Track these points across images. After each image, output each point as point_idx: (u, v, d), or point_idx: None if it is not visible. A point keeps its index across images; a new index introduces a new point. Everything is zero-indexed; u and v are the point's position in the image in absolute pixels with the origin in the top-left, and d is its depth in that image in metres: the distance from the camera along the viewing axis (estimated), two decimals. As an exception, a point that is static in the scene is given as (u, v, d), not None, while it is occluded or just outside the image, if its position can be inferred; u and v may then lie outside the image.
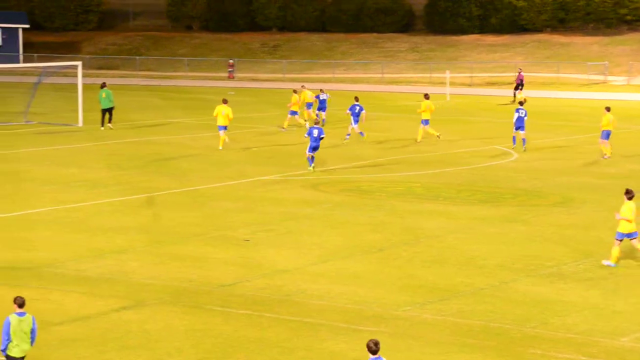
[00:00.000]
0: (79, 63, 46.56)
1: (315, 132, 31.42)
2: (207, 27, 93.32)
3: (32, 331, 13.05)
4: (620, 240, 20.05)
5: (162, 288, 18.54)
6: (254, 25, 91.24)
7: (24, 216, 24.81)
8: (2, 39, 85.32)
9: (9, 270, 19.65)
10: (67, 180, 29.86)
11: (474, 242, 22.48)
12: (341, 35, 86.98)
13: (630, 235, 20.04)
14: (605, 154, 35.25)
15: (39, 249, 21.37)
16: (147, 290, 18.37)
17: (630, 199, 20.09)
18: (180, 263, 20.41)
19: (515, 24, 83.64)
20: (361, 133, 38.87)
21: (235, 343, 15.65)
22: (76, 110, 44.30)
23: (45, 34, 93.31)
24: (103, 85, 43.90)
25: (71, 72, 51.96)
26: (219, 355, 15.19)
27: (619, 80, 70.04)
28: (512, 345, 15.73)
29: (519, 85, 58.09)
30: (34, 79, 53.71)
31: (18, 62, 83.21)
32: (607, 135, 35.10)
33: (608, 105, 36.95)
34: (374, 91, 66.87)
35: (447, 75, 62.80)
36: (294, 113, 42.58)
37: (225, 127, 36.28)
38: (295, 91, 43.75)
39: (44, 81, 52.95)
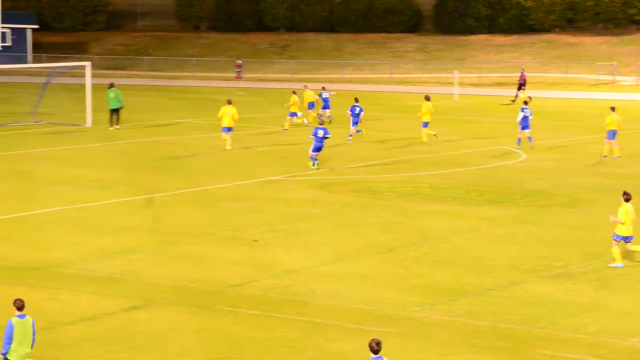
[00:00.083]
0: (87, 63, 46.66)
1: (321, 133, 31.51)
2: (215, 27, 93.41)
3: (32, 334, 13.05)
4: (618, 241, 20.09)
5: (171, 288, 18.57)
6: (262, 26, 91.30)
7: (33, 216, 24.88)
8: (12, 39, 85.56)
9: (18, 270, 19.71)
10: (76, 180, 29.93)
11: (483, 243, 22.46)
12: (349, 36, 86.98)
13: (626, 239, 20.07)
14: (604, 154, 35.26)
15: (49, 249, 21.42)
16: (156, 290, 18.40)
17: (627, 200, 20.11)
18: (189, 263, 20.44)
19: (523, 24, 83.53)
20: (358, 130, 38.91)
21: (244, 343, 15.67)
22: (85, 111, 44.40)
23: (53, 34, 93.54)
24: (111, 86, 44.00)
25: (79, 73, 52.09)
26: (228, 356, 15.20)
27: (628, 80, 69.88)
28: (521, 345, 15.72)
29: (522, 85, 58.14)
30: (42, 79, 53.86)
31: (27, 62, 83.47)
32: (613, 134, 35.07)
33: (613, 105, 36.93)
34: (382, 91, 66.86)
35: (455, 75, 62.75)
36: (293, 114, 42.56)
37: (230, 129, 36.29)
38: (294, 92, 43.75)
39: (53, 81, 53.09)
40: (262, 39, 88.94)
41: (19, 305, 12.88)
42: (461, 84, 63.65)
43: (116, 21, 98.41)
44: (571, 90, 65.07)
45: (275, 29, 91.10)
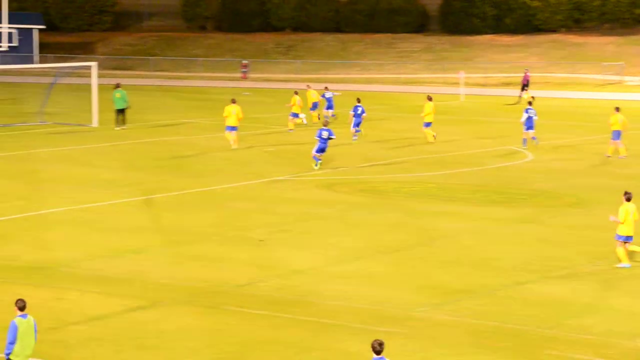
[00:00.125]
0: (93, 64, 46.72)
1: (325, 134, 31.61)
2: (221, 28, 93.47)
3: (34, 334, 13.05)
4: (622, 242, 20.11)
5: (178, 288, 18.58)
6: (268, 26, 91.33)
7: (40, 216, 24.91)
8: (18, 39, 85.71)
9: (26, 270, 19.74)
10: (82, 180, 29.97)
11: (489, 243, 22.44)
12: (355, 36, 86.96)
13: (626, 239, 20.07)
14: (608, 154, 35.23)
15: (56, 249, 21.45)
16: (163, 290, 18.41)
17: (628, 200, 20.15)
18: (196, 263, 20.45)
19: (530, 24, 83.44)
20: (357, 130, 38.95)
21: (251, 343, 15.67)
22: (91, 111, 44.44)
23: (60, 34, 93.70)
24: (117, 86, 44.06)
25: (86, 73, 52.17)
26: (235, 356, 15.21)
27: (635, 80, 69.75)
28: (528, 346, 15.70)
29: (525, 85, 58.19)
30: (49, 80, 53.94)
31: (33, 62, 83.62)
32: (617, 135, 35.04)
33: (617, 106, 36.90)
34: (388, 92, 66.82)
35: (461, 75, 62.71)
36: (295, 115, 42.58)
37: (235, 128, 36.34)
38: (296, 92, 43.78)
39: (59, 81, 53.19)
40: (268, 39, 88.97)
41: (21, 306, 12.88)
42: (467, 84, 63.62)
43: (122, 21, 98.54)
44: (578, 91, 64.99)
45: (281, 29, 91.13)
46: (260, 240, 22.29)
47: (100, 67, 52.17)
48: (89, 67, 47.05)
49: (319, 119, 43.72)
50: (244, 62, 78.50)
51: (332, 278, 19.38)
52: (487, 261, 20.77)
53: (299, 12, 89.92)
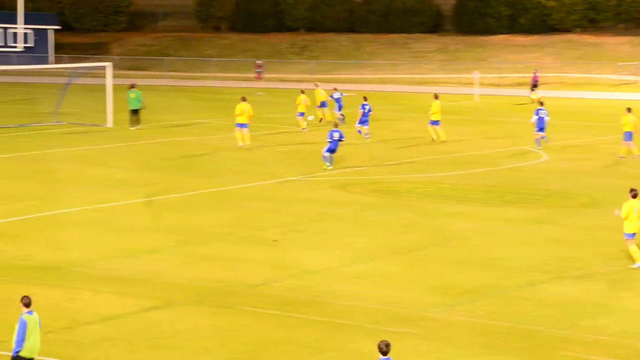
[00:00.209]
0: (108, 64, 46.85)
1: (336, 135, 31.75)
2: (235, 28, 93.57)
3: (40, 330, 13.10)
4: (632, 239, 20.14)
5: (191, 288, 18.60)
6: (282, 26, 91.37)
7: (54, 216, 25.00)
8: (34, 40, 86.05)
9: (39, 270, 19.81)
10: (97, 181, 30.05)
11: (503, 244, 22.38)
12: (369, 36, 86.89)
13: (631, 236, 20.06)
14: (621, 155, 35.11)
15: (69, 249, 21.52)
16: (176, 290, 18.44)
17: (634, 197, 20.18)
18: (210, 263, 20.48)
19: (544, 24, 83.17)
20: (359, 131, 39.00)
21: (264, 343, 15.68)
22: (105, 111, 44.58)
23: (75, 35, 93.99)
24: (132, 86, 44.16)
25: (100, 73, 52.31)
26: (249, 356, 15.21)
27: (650, 80, 69.42)
28: (542, 347, 15.64)
29: (534, 85, 58.16)
30: (64, 80, 54.12)
31: (48, 63, 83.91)
32: (629, 136, 34.95)
33: (629, 106, 36.76)
34: (402, 92, 66.75)
35: (476, 75, 62.58)
36: (301, 114, 42.70)
37: (245, 125, 36.57)
38: (302, 91, 43.87)
39: (74, 82, 53.35)
40: (282, 40, 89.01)
41: (26, 302, 12.92)
42: (481, 84, 63.48)
43: (137, 22, 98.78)
44: (593, 91, 64.75)
45: (295, 30, 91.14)
46: (274, 241, 22.30)
47: (115, 67, 52.30)
48: (103, 68, 47.18)
49: (320, 121, 43.84)
50: (258, 62, 78.57)
51: (346, 278, 19.37)
52: (500, 262, 20.72)
53: (313, 12, 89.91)
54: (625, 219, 20.10)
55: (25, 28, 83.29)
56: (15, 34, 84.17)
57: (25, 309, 12.90)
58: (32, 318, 12.88)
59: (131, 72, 78.17)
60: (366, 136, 39.15)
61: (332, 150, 31.89)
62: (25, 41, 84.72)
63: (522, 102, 57.06)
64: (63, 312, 16.95)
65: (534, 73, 59.55)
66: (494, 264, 20.56)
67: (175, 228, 23.68)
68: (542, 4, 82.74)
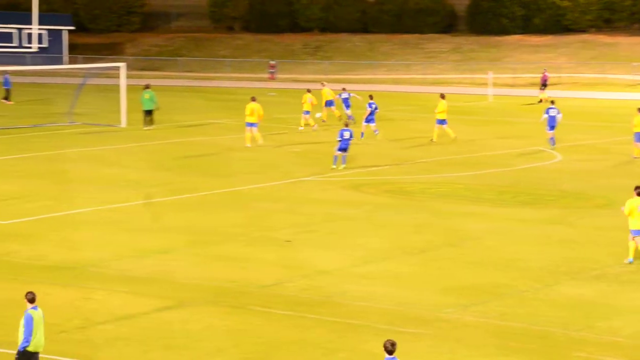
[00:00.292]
0: (122, 64, 46.96)
1: (347, 134, 31.84)
2: (248, 28, 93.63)
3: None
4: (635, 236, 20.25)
5: (204, 288, 18.62)
6: (295, 26, 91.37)
7: (68, 216, 25.07)
8: (48, 40, 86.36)
9: (54, 270, 19.87)
10: (111, 181, 30.13)
11: (517, 244, 22.31)
12: (383, 36, 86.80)
13: (637, 233, 20.08)
14: (635, 155, 35.00)
15: (83, 249, 21.58)
16: (189, 290, 18.46)
17: (638, 194, 20.16)
18: (223, 263, 20.49)
19: (559, 25, 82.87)
20: (362, 134, 39.05)
21: (276, 344, 15.68)
22: (119, 111, 44.69)
23: (89, 35, 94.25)
24: (147, 87, 44.26)
25: (114, 74, 52.44)
26: (261, 356, 15.22)
27: (665, 80, 69.10)
28: (556, 348, 15.59)
29: (543, 85, 58.10)
30: (78, 80, 54.29)
31: (63, 63, 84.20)
32: (639, 137, 34.84)
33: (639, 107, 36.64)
34: (415, 92, 66.65)
35: (490, 76, 62.44)
36: (307, 113, 42.80)
37: (255, 124, 36.77)
38: (308, 90, 43.90)
39: (88, 82, 53.50)
40: (296, 40, 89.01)
41: (30, 298, 12.95)
42: (495, 84, 63.33)
43: (151, 22, 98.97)
44: (607, 91, 64.49)
45: (309, 30, 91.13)
46: (287, 241, 22.30)
47: (129, 68, 52.39)
48: (117, 68, 47.30)
49: (322, 121, 43.90)
50: (272, 62, 78.60)
51: (359, 279, 19.35)
52: (514, 262, 20.66)
53: (326, 12, 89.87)
54: (629, 215, 20.14)
55: (39, 29, 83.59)
56: (30, 35, 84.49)
57: (29, 305, 12.93)
58: (37, 313, 12.93)
59: (145, 73, 78.33)
60: (375, 132, 39.21)
61: (343, 149, 31.93)
62: (40, 42, 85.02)
63: (529, 102, 56.98)
64: (77, 312, 16.99)
65: (543, 72, 59.50)
66: (508, 264, 20.49)
67: (188, 228, 23.71)
68: (557, 4, 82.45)
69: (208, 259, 20.88)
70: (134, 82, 56.59)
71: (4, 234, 22.94)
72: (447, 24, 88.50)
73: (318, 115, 43.52)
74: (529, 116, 50.85)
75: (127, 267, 20.13)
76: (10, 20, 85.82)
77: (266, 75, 77.73)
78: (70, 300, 17.64)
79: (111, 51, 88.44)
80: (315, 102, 43.09)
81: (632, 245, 20.37)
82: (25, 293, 13.08)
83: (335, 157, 32.08)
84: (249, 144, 37.01)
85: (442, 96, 39.57)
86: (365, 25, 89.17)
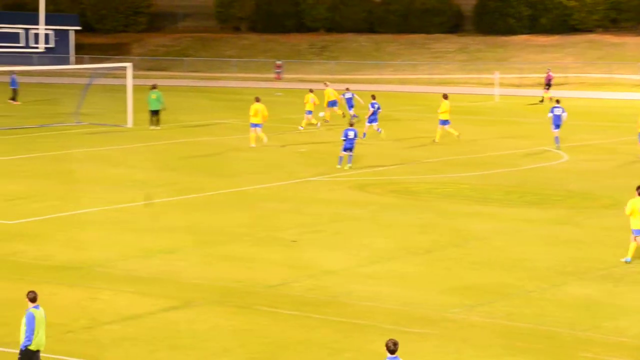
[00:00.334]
0: (128, 64, 47.02)
1: (351, 134, 31.87)
2: (254, 29, 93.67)
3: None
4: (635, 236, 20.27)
5: (210, 288, 18.63)
6: (301, 27, 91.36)
7: (75, 216, 25.11)
8: (55, 40, 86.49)
9: (60, 270, 19.90)
10: (117, 181, 30.17)
11: (523, 245, 22.28)
12: (389, 36, 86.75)
13: (638, 232, 20.03)
14: None
15: (90, 249, 21.61)
16: (195, 290, 18.48)
17: None
18: (229, 263, 20.50)
19: (565, 24, 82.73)
20: (364, 134, 39.09)
21: (282, 344, 15.68)
22: (125, 112, 44.74)
23: (95, 35, 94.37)
24: (154, 87, 44.31)
25: (121, 74, 52.52)
26: (267, 356, 15.22)
27: (672, 80, 68.91)
28: (563, 348, 15.56)
29: (548, 85, 58.05)
30: (85, 81, 54.36)
31: (69, 63, 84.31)
32: None
33: None
34: (421, 92, 66.61)
35: (496, 76, 62.36)
36: (309, 113, 42.84)
37: (259, 125, 36.86)
38: (311, 90, 43.93)
39: (95, 82, 53.57)
40: (302, 40, 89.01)
41: (32, 297, 12.97)
42: (502, 84, 63.26)
43: (157, 22, 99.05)
44: (614, 91, 64.36)
45: (315, 30, 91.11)
46: (293, 241, 22.30)
47: (135, 68, 52.47)
48: (124, 68, 47.35)
49: (325, 121, 43.90)
50: (278, 62, 78.62)
51: (364, 279, 19.34)
52: (521, 262, 20.63)
53: (332, 12, 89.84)
54: (630, 215, 20.13)
55: (46, 29, 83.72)
56: (36, 35, 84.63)
57: (31, 304, 12.95)
58: (39, 312, 12.95)
59: (151, 73, 78.40)
60: (378, 130, 39.21)
61: (348, 149, 31.93)
62: (47, 42, 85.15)
63: (531, 102, 56.94)
64: (83, 312, 17.02)
65: (547, 72, 59.46)
66: (514, 264, 20.47)
67: (194, 228, 23.72)
68: (563, 4, 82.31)
69: (214, 259, 20.89)
70: (140, 82, 56.65)
71: (11, 234, 22.99)
72: (454, 24, 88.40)
73: (322, 114, 43.53)
74: (535, 116, 50.77)
75: (134, 267, 20.15)
76: (17, 21, 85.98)
77: (272, 76, 77.76)
78: (77, 300, 17.67)
79: (118, 51, 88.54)
80: (317, 102, 43.12)
81: (632, 246, 20.27)
82: (26, 292, 13.10)
83: (341, 158, 32.12)
84: (253, 144, 37.06)
85: (445, 96, 39.53)
86: (371, 25, 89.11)
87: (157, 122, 43.36)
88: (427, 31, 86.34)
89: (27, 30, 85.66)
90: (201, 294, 18.27)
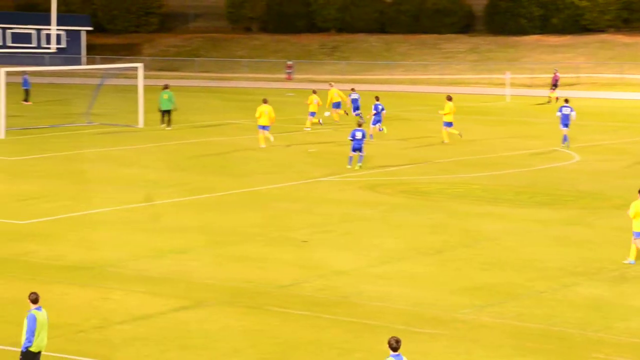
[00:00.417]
0: (140, 65, 47.12)
1: (359, 135, 31.91)
2: (266, 29, 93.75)
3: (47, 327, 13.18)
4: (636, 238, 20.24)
5: (221, 288, 18.67)
6: (312, 27, 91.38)
7: (86, 216, 25.19)
8: (66, 41, 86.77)
9: (72, 270, 19.97)
10: (128, 181, 30.25)
11: (534, 245, 22.25)
12: (400, 37, 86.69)
13: (637, 234, 20.00)
14: None
15: (101, 249, 21.68)
16: (206, 291, 18.52)
17: None
18: (240, 263, 20.54)
19: (577, 25, 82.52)
20: (380, 128, 39.04)
21: (293, 344, 15.71)
22: (137, 112, 44.85)
23: (107, 36, 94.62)
24: (165, 87, 44.39)
25: (132, 74, 52.63)
26: (278, 356, 15.25)
27: (684, 80, 68.65)
28: (574, 349, 15.54)
29: (554, 85, 57.98)
30: (96, 81, 54.51)
31: (81, 64, 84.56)
32: None
33: None
34: (432, 92, 66.55)
35: (507, 76, 62.27)
36: (312, 114, 42.83)
37: (267, 127, 36.92)
38: (314, 91, 43.88)
39: (106, 83, 53.71)
40: (313, 40, 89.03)
41: (33, 298, 12.99)
42: (513, 84, 63.15)
43: (168, 23, 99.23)
44: (626, 91, 64.16)
45: (326, 30, 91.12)
46: (304, 241, 22.33)
47: (146, 68, 52.57)
48: (135, 69, 47.45)
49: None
50: (289, 63, 78.67)
51: (375, 279, 19.36)
52: (531, 263, 20.60)
53: (343, 13, 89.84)
54: (634, 217, 20.04)
55: (58, 29, 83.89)
56: (48, 35, 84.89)
57: (33, 305, 12.98)
58: (41, 314, 12.99)
59: (162, 73, 78.55)
60: (380, 129, 39.23)
61: (356, 150, 31.92)
62: (58, 42, 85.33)
63: (539, 102, 56.85)
64: (95, 312, 17.08)
65: (555, 73, 59.38)
66: (525, 265, 20.44)
67: (206, 228, 23.78)
68: (575, 4, 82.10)
69: (225, 259, 20.93)
70: (151, 82, 56.76)
71: (23, 234, 23.08)
72: (465, 24, 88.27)
73: (327, 114, 43.54)
74: (546, 116, 50.67)
75: (145, 267, 20.21)
76: (29, 21, 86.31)
77: (283, 76, 77.81)
78: (88, 300, 17.73)
79: (129, 52, 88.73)
80: (320, 103, 43.12)
81: (634, 247, 20.22)
82: (28, 294, 13.14)
83: (351, 158, 32.14)
84: (263, 145, 37.07)
85: (449, 98, 39.43)
86: (382, 25, 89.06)
87: (169, 122, 43.46)
88: (438, 31, 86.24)
89: (38, 30, 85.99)
90: (212, 294, 18.32)
